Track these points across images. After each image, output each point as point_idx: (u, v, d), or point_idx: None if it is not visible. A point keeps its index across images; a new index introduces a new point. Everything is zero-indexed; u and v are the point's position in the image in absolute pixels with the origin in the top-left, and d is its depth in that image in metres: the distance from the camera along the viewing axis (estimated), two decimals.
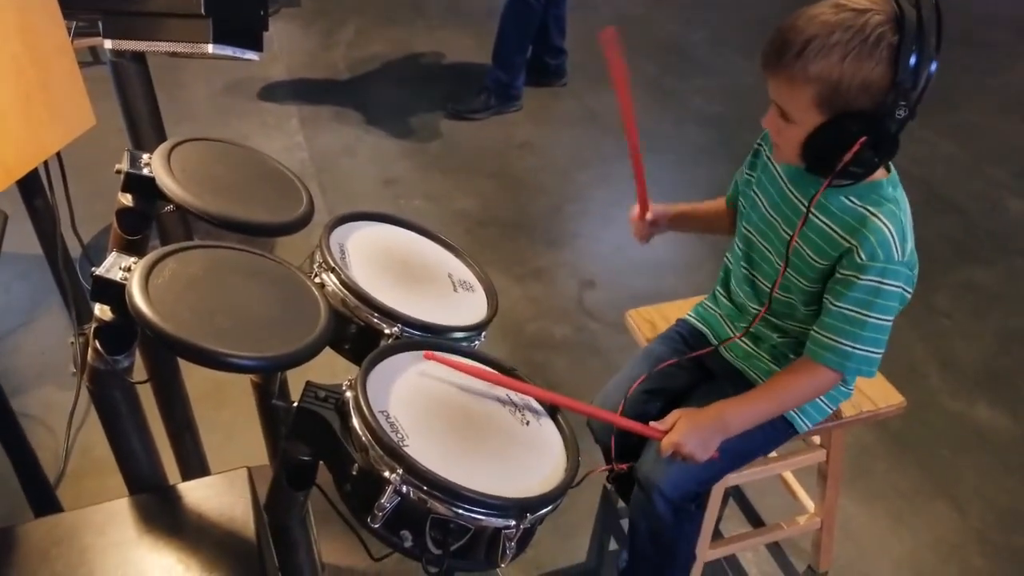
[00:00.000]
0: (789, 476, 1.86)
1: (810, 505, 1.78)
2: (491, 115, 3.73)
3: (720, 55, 4.41)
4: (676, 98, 3.96)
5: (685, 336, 1.57)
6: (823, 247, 1.26)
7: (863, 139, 1.13)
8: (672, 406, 1.44)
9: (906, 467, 2.09)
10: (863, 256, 1.21)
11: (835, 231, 1.24)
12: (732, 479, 1.53)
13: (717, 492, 1.54)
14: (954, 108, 3.84)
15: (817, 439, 1.66)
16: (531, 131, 3.66)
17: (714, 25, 4.74)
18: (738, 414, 1.31)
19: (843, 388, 1.45)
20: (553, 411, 1.16)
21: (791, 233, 1.31)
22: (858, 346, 1.24)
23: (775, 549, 1.89)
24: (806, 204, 1.28)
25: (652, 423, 1.30)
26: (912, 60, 1.09)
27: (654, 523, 1.42)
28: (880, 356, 1.26)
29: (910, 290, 1.26)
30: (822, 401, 1.43)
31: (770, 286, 1.38)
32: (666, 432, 1.28)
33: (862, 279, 1.21)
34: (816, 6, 1.14)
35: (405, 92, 3.94)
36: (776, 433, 1.43)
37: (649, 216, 1.52)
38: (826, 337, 1.26)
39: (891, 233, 1.20)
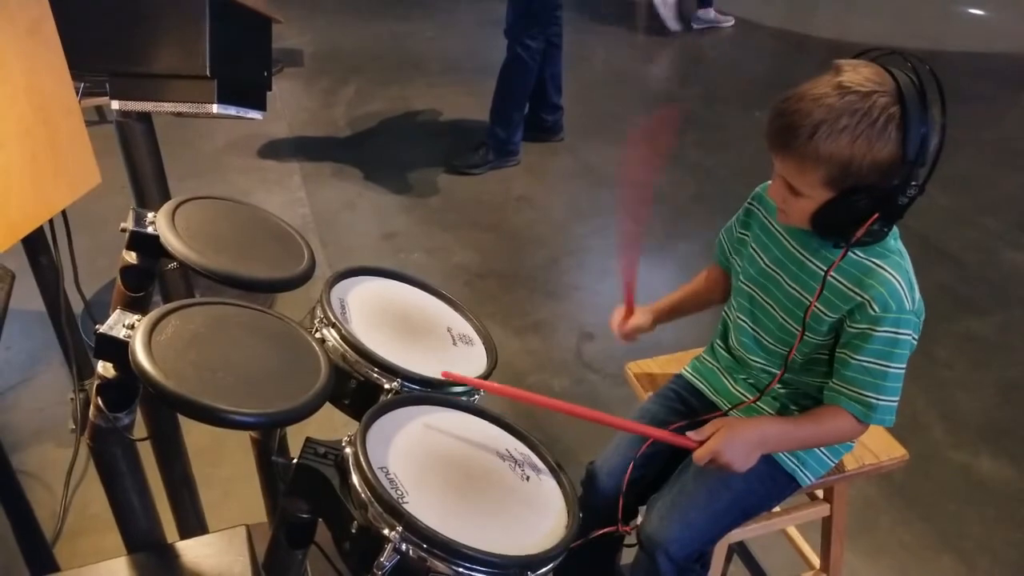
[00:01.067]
0: (793, 531, 1.84)
1: (815, 560, 1.76)
2: (489, 170, 3.77)
3: (713, 109, 4.48)
4: (671, 151, 4.01)
5: (681, 393, 1.56)
6: (834, 301, 1.27)
7: (876, 216, 1.16)
8: (674, 464, 1.44)
9: (911, 521, 2.07)
10: (876, 308, 1.22)
11: (844, 286, 1.25)
12: (736, 535, 1.52)
13: (721, 548, 1.52)
14: (948, 161, 3.84)
15: (820, 493, 1.65)
16: (529, 185, 3.71)
17: (706, 81, 4.83)
18: (779, 432, 1.31)
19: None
20: (553, 467, 1.16)
21: (797, 289, 1.32)
22: (882, 397, 1.25)
23: None
24: (815, 262, 1.29)
25: (688, 433, 1.28)
26: (919, 137, 1.12)
27: None
28: (897, 404, 1.27)
29: (917, 337, 1.27)
30: (823, 454, 1.42)
31: (773, 342, 1.38)
32: (702, 443, 1.26)
33: (878, 331, 1.22)
34: (817, 85, 1.15)
35: (405, 148, 4.00)
36: (779, 487, 1.42)
37: (634, 321, 1.53)
38: (850, 390, 1.27)
39: (900, 284, 1.22)
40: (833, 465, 1.46)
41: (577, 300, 2.93)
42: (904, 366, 1.25)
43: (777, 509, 1.63)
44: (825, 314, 1.29)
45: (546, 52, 3.70)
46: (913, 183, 1.14)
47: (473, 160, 3.76)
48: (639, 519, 1.51)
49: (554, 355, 2.63)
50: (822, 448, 1.41)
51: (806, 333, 1.32)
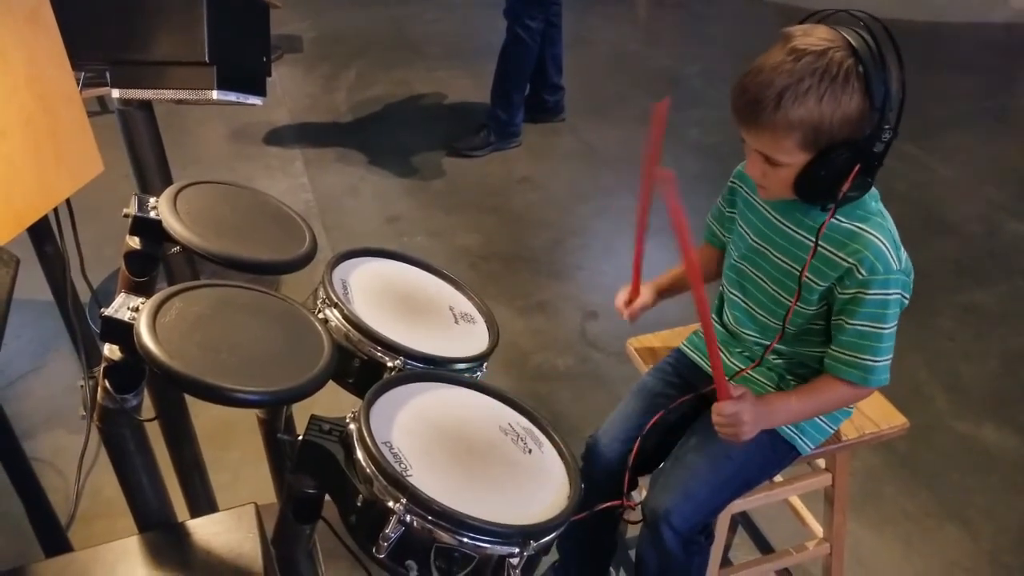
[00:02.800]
0: (797, 502, 1.85)
1: (819, 530, 1.78)
2: (491, 152, 3.78)
3: (714, 87, 4.47)
4: (672, 129, 3.99)
5: (677, 367, 1.57)
6: (823, 270, 1.28)
7: (857, 167, 1.16)
8: (671, 436, 1.45)
9: (915, 490, 2.09)
10: (864, 272, 1.23)
11: (830, 252, 1.27)
12: (739, 505, 1.53)
13: (724, 519, 1.54)
14: (951, 132, 3.88)
15: (822, 463, 1.66)
16: (531, 166, 3.71)
17: (707, 60, 4.81)
18: (783, 406, 1.34)
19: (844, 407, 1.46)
20: (555, 440, 1.17)
21: (789, 262, 1.33)
22: (879, 359, 1.28)
23: None
24: (800, 232, 1.30)
25: (731, 389, 1.27)
26: (882, 82, 1.13)
27: (664, 559, 1.41)
28: (891, 361, 1.30)
29: (908, 296, 1.28)
30: (821, 421, 1.43)
31: (765, 314, 1.40)
32: (736, 398, 1.26)
33: (869, 294, 1.24)
34: (771, 55, 1.16)
35: (406, 132, 4.00)
36: (779, 456, 1.43)
37: (640, 301, 1.54)
38: (847, 355, 1.29)
39: (884, 244, 1.23)
40: (832, 432, 1.47)
41: (580, 280, 2.94)
42: (895, 324, 1.27)
43: (779, 479, 1.64)
44: (815, 282, 1.30)
45: (546, 32, 3.69)
46: (886, 126, 1.15)
47: (475, 142, 3.77)
48: (641, 492, 1.53)
49: (558, 334, 2.64)
50: (820, 416, 1.43)
51: (798, 303, 1.33)
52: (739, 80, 1.19)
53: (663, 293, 1.58)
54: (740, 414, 1.25)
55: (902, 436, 1.58)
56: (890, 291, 1.24)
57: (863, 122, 1.15)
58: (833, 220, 1.26)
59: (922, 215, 3.24)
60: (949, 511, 2.03)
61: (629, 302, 1.55)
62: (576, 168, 3.73)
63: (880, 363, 1.28)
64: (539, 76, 3.88)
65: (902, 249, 1.27)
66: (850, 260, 1.24)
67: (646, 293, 1.55)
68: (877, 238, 1.23)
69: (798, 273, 1.31)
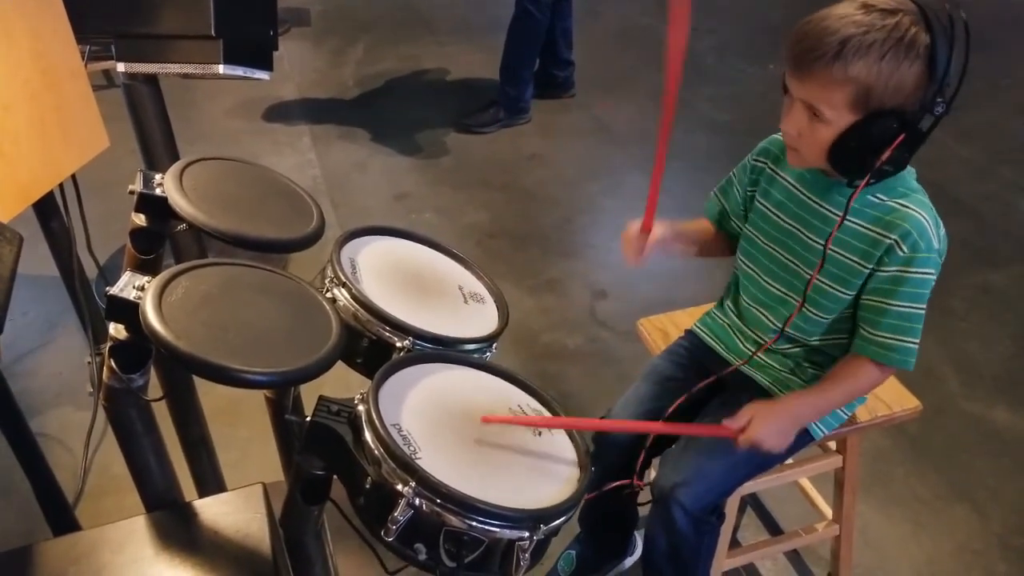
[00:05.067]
0: (806, 483, 1.84)
1: (828, 512, 1.77)
2: (500, 128, 3.74)
3: (727, 63, 4.41)
4: (685, 106, 3.96)
5: (691, 350, 1.55)
6: (865, 249, 1.25)
7: (902, 137, 1.13)
8: (683, 419, 1.43)
9: (925, 472, 2.08)
10: (906, 249, 1.21)
11: (872, 230, 1.24)
12: (748, 487, 1.52)
13: (734, 500, 1.53)
14: (966, 110, 3.80)
15: (833, 445, 1.65)
16: (540, 143, 3.67)
17: (721, 34, 4.75)
18: (811, 406, 1.33)
19: None
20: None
21: (820, 241, 1.30)
22: (917, 340, 1.26)
23: (794, 557, 1.88)
24: (828, 207, 1.28)
25: (725, 421, 1.28)
26: (946, 58, 1.10)
27: (674, 538, 1.40)
28: None
29: (936, 275, 1.26)
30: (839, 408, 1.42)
31: (785, 289, 1.37)
32: (740, 430, 1.27)
33: (912, 272, 1.22)
34: (840, 6, 1.13)
35: (415, 108, 3.97)
36: (793, 440, 1.42)
37: (653, 235, 1.35)
38: (890, 338, 1.26)
39: (927, 221, 1.21)
40: (847, 418, 1.46)
41: (590, 258, 2.92)
42: (926, 305, 1.25)
43: (790, 461, 1.63)
44: (857, 263, 1.26)
45: (556, 6, 3.64)
46: (939, 100, 1.12)
47: (484, 119, 3.73)
48: (652, 473, 1.52)
49: (568, 313, 2.63)
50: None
51: (824, 277, 1.30)
52: (799, 26, 1.15)
53: (678, 237, 1.45)
54: (759, 443, 1.26)
55: (913, 418, 1.57)
56: (928, 270, 1.22)
57: (917, 93, 1.12)
58: (873, 198, 1.23)
59: (936, 194, 3.14)
60: (959, 493, 2.02)
61: (642, 233, 1.35)
62: (586, 145, 3.69)
63: (917, 344, 1.26)
64: (549, 51, 3.83)
65: (942, 227, 1.24)
66: (891, 236, 1.21)
67: (660, 227, 1.36)
68: (920, 215, 1.21)
69: (822, 247, 1.28)
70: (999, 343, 2.50)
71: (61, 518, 1.57)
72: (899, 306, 1.24)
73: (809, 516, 1.83)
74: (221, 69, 1.88)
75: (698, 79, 4.21)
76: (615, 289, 2.73)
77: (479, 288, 1.40)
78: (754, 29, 4.71)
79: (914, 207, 1.21)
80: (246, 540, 1.16)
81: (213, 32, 1.83)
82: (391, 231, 1.43)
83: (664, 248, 1.40)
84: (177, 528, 1.18)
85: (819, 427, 1.41)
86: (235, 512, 1.19)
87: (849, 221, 1.26)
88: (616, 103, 3.99)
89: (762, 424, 1.26)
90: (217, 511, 1.20)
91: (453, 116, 3.80)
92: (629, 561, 1.80)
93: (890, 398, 1.55)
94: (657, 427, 1.43)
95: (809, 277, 1.32)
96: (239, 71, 1.94)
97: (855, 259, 1.26)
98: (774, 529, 1.95)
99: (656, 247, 1.37)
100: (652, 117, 3.85)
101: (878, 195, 1.23)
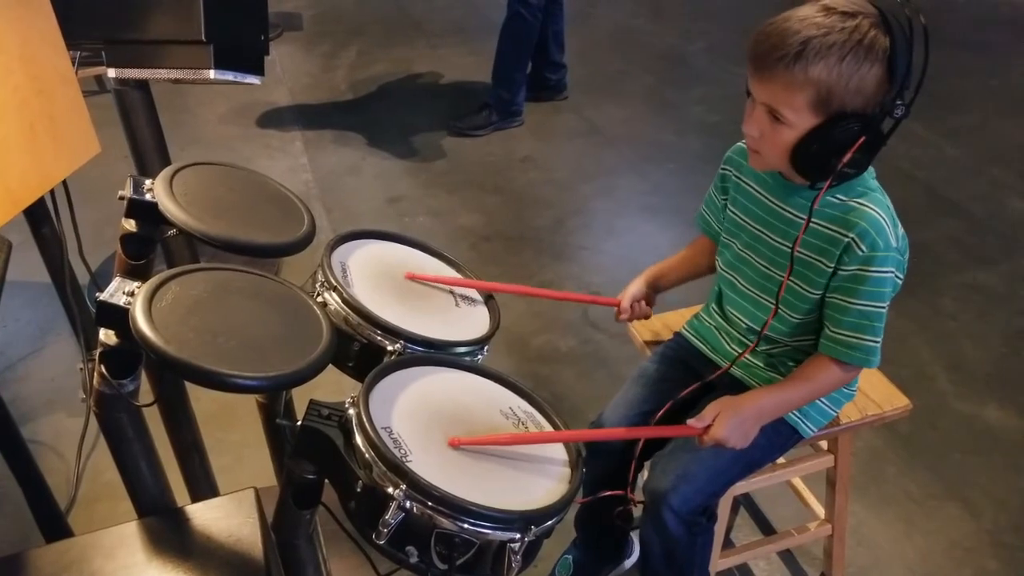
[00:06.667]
0: (799, 483, 1.85)
1: (821, 512, 1.77)
2: (493, 131, 3.75)
3: (718, 65, 4.43)
4: (676, 108, 3.97)
5: (679, 352, 1.56)
6: (825, 247, 1.26)
7: (862, 139, 1.14)
8: (672, 421, 1.44)
9: (916, 471, 2.08)
10: (864, 248, 1.21)
11: (830, 228, 1.25)
12: (741, 487, 1.53)
13: (727, 500, 1.54)
14: (956, 110, 3.84)
15: (825, 444, 1.65)
16: (533, 146, 3.68)
17: (712, 36, 4.77)
18: (774, 401, 1.32)
19: (845, 390, 1.45)
20: (556, 424, 1.16)
21: (787, 244, 1.31)
22: (878, 339, 1.26)
23: (788, 557, 1.88)
24: (791, 211, 1.29)
25: (689, 421, 1.28)
26: (906, 61, 1.11)
27: (667, 542, 1.40)
28: None
29: (901, 276, 1.27)
30: (824, 404, 1.42)
31: (760, 293, 1.39)
32: (706, 428, 1.27)
33: (870, 271, 1.22)
34: (802, 9, 1.14)
35: (407, 111, 3.97)
36: (782, 439, 1.42)
37: (631, 290, 1.55)
38: (850, 336, 1.27)
39: (883, 219, 1.22)
40: (835, 415, 1.47)
41: (583, 260, 2.93)
42: (888, 304, 1.26)
43: (781, 460, 1.64)
44: (820, 261, 1.28)
45: (548, 9, 3.65)
46: (899, 103, 1.13)
47: (476, 122, 3.74)
48: (643, 477, 1.53)
49: (560, 315, 2.63)
50: (822, 399, 1.42)
51: (795, 279, 1.31)
52: (761, 27, 1.17)
53: (657, 282, 1.56)
54: (724, 441, 1.26)
55: (904, 417, 1.58)
56: (887, 268, 1.23)
57: (878, 95, 1.13)
58: (832, 198, 1.24)
59: (926, 194, 3.21)
60: (951, 491, 2.03)
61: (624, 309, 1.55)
62: (578, 147, 3.70)
63: (879, 343, 1.27)
64: (541, 54, 3.85)
65: (900, 227, 1.25)
66: (849, 234, 1.22)
67: (635, 285, 1.54)
68: (877, 213, 1.22)
69: (789, 250, 1.29)
70: (990, 341, 2.52)
71: (54, 525, 1.57)
72: (860, 304, 1.25)
73: (802, 516, 1.83)
74: (212, 74, 1.88)
75: (690, 81, 4.22)
76: (608, 291, 2.73)
77: (470, 291, 1.40)
78: (744, 31, 4.70)
79: (871, 205, 1.22)
80: (238, 545, 1.16)
81: (203, 37, 1.83)
82: (381, 234, 1.43)
83: (654, 293, 1.56)
84: (169, 533, 1.18)
85: (808, 426, 1.42)
86: (227, 517, 1.19)
87: (812, 223, 1.27)
88: (608, 105, 3.99)
89: (725, 422, 1.26)
90: (209, 516, 1.20)
91: (446, 119, 3.81)
92: (628, 563, 1.80)
93: (880, 397, 1.55)
94: (620, 433, 1.45)
95: (781, 280, 1.33)
96: (230, 76, 1.94)
97: (818, 258, 1.28)
98: (767, 529, 1.95)
99: (640, 303, 1.55)
100: (644, 119, 3.87)
101: (838, 195, 1.25)
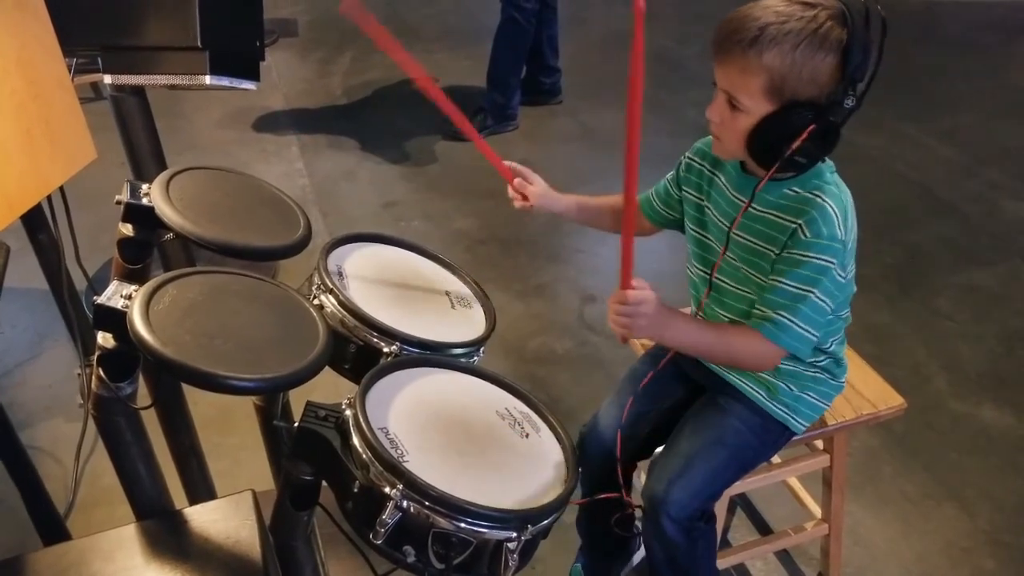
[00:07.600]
0: (795, 483, 1.86)
1: (817, 512, 1.78)
2: (488, 135, 3.76)
3: (712, 68, 4.44)
4: (670, 111, 3.98)
5: (668, 352, 1.56)
6: (770, 233, 1.27)
7: (811, 128, 1.16)
8: (664, 423, 1.44)
9: (913, 471, 2.09)
10: (808, 234, 1.22)
11: (780, 217, 1.26)
12: (737, 487, 1.53)
13: (723, 501, 1.54)
14: (950, 111, 3.86)
15: (820, 444, 1.66)
16: (528, 149, 3.69)
17: (706, 39, 4.77)
18: (681, 330, 1.27)
19: (832, 382, 1.44)
20: (552, 424, 1.17)
21: (742, 234, 1.31)
22: (796, 321, 1.23)
23: (784, 557, 1.89)
24: (741, 198, 1.31)
25: (634, 281, 1.17)
26: (861, 55, 1.13)
27: (668, 548, 1.41)
28: (815, 340, 1.26)
29: (844, 274, 1.25)
30: (812, 398, 1.42)
31: (741, 287, 1.38)
32: (642, 289, 1.17)
33: (808, 256, 1.22)
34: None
35: (403, 116, 3.98)
36: (772, 437, 1.42)
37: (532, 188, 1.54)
38: (775, 313, 1.24)
39: (834, 211, 1.22)
40: (824, 409, 1.45)
41: (578, 263, 2.94)
42: (830, 302, 1.24)
43: (777, 460, 1.65)
44: (764, 247, 1.28)
45: (541, 14, 3.67)
46: (851, 93, 1.16)
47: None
48: (640, 477, 1.53)
49: (556, 318, 2.64)
50: (810, 392, 1.41)
51: (741, 263, 1.32)
52: (727, 15, 1.20)
53: (559, 200, 1.57)
54: (642, 306, 1.17)
55: (900, 417, 1.58)
56: (827, 257, 1.21)
57: (831, 86, 1.15)
58: (787, 191, 1.25)
59: (921, 195, 3.22)
60: (947, 491, 2.04)
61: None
62: (573, 150, 3.71)
63: (797, 326, 1.23)
64: (535, 58, 3.86)
65: (851, 221, 1.24)
66: (798, 221, 1.23)
67: (545, 186, 1.56)
68: (829, 205, 1.22)
69: (765, 250, 1.29)
70: (985, 342, 2.53)
71: (52, 530, 1.58)
72: (791, 285, 1.23)
73: (798, 516, 1.84)
74: (207, 80, 1.89)
75: (684, 84, 4.24)
76: (603, 293, 2.74)
77: (466, 293, 1.41)
78: None
79: (824, 196, 1.23)
80: (236, 547, 1.16)
81: (199, 43, 1.84)
82: (377, 237, 1.44)
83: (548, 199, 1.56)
84: (167, 536, 1.18)
85: (798, 421, 1.41)
86: (225, 519, 1.20)
87: (760, 211, 1.27)
88: (603, 109, 4.00)
89: (649, 305, 1.17)
90: (207, 518, 1.20)
91: (440, 124, 3.81)
92: (637, 556, 1.80)
93: (875, 396, 1.56)
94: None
95: (757, 279, 1.31)
96: (226, 81, 1.95)
97: (767, 246, 1.28)
98: (764, 529, 1.96)
99: (536, 201, 1.54)
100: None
101: (794, 188, 1.26)
